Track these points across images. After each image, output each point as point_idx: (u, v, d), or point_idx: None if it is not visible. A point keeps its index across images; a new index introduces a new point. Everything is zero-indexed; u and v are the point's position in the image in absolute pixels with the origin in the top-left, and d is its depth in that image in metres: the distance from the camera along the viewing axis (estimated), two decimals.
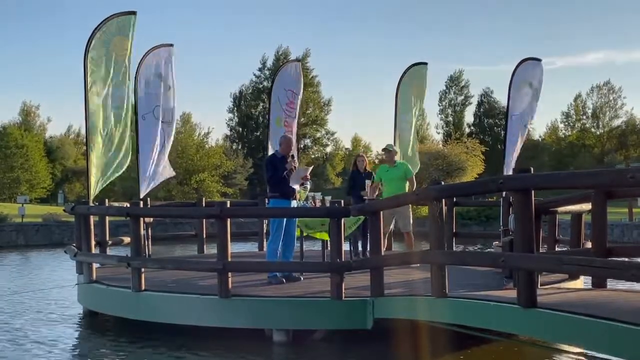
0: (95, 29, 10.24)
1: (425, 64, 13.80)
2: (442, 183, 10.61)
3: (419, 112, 13.77)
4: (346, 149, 70.45)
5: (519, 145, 12.19)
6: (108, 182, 10.80)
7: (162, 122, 11.65)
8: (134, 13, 10.49)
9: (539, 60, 12.40)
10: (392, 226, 10.94)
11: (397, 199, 10.73)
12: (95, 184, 10.36)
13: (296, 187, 9.24)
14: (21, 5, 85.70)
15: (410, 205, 10.80)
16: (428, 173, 33.25)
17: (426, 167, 34.74)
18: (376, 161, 48.11)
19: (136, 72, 11.44)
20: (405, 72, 13.62)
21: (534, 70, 12.26)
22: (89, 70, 10.19)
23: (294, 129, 13.81)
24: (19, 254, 22.92)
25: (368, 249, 9.19)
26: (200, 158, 44.22)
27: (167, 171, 11.96)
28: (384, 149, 11.16)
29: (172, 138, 12.01)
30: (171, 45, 11.88)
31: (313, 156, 63.45)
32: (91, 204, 10.24)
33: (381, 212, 7.93)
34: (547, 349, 7.01)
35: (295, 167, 9.22)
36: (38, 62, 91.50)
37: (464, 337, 7.06)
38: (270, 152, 13.49)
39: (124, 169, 10.86)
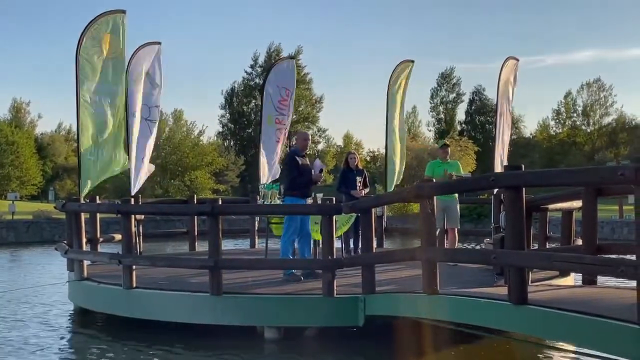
0: (86, 26, 10.24)
1: (412, 61, 13.89)
2: (434, 180, 10.61)
3: (404, 109, 13.88)
4: (338, 146, 70.41)
5: (500, 144, 12.23)
6: (102, 180, 10.78)
7: (147, 120, 11.65)
8: (123, 12, 10.48)
9: (517, 59, 12.59)
10: (444, 224, 10.52)
11: (389, 197, 10.76)
12: (87, 182, 10.33)
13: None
14: (12, 2, 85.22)
15: (458, 201, 10.81)
16: (420, 170, 33.32)
17: (419, 164, 34.90)
18: (367, 158, 48.30)
19: (126, 69, 11.39)
20: (394, 70, 13.70)
21: (513, 69, 12.46)
22: (80, 68, 10.16)
23: (287, 127, 13.79)
24: (9, 251, 22.82)
25: (359, 247, 9.20)
26: (194, 156, 44.25)
27: (150, 169, 11.95)
28: (443, 145, 11.23)
29: (154, 136, 11.97)
30: (159, 43, 11.86)
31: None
32: (82, 201, 10.21)
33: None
34: (538, 345, 7.05)
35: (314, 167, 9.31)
36: (28, 59, 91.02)
37: (455, 333, 7.08)
38: (262, 149, 13.53)
39: (120, 167, 10.82)
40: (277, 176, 13.27)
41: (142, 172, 11.55)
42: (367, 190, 11.17)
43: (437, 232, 10.06)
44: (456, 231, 10.74)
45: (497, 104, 12.38)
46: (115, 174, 11.14)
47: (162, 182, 39.17)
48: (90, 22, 10.28)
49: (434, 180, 10.51)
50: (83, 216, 10.06)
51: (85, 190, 10.47)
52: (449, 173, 10.47)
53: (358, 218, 9.14)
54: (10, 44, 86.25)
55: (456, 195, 10.67)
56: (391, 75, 13.66)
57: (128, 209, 9.08)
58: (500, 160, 11.91)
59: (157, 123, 12.05)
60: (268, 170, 13.38)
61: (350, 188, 10.90)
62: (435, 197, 9.69)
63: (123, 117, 10.93)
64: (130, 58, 11.45)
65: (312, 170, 9.28)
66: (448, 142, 11.68)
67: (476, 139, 54.71)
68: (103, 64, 10.36)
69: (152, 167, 12.06)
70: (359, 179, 11.01)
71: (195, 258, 10.27)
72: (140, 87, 11.46)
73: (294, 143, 9.71)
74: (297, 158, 9.14)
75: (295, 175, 9.07)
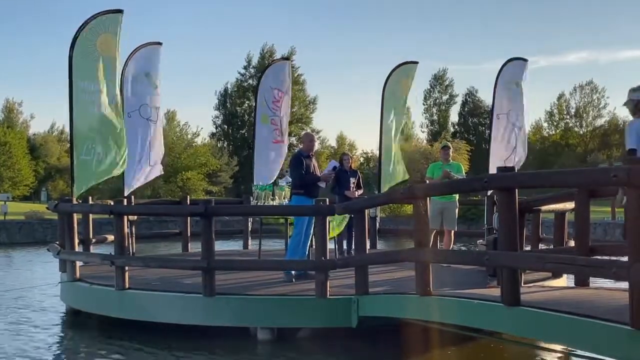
0: (81, 26, 10.22)
1: (416, 62, 13.78)
2: (427, 182, 10.63)
3: (405, 111, 13.78)
4: (332, 147, 70.39)
5: (519, 146, 12.10)
6: (99, 181, 10.76)
7: (149, 120, 11.63)
8: (120, 11, 10.47)
9: (525, 60, 12.44)
10: (440, 225, 10.60)
11: (382, 198, 10.75)
12: (81, 183, 10.32)
13: (322, 185, 9.38)
14: (4, 1, 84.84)
15: (458, 204, 10.83)
16: (415, 171, 33.36)
17: (412, 165, 34.93)
18: (361, 159, 48.31)
19: (122, 70, 11.39)
20: (393, 70, 13.58)
21: (520, 70, 12.33)
22: (74, 67, 10.17)
23: (284, 127, 13.73)
24: (2, 252, 22.71)
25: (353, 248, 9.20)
26: (187, 157, 44.21)
27: (155, 170, 11.92)
28: (443, 146, 11.27)
29: (158, 136, 11.97)
30: (160, 43, 11.86)
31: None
32: (75, 201, 10.18)
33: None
34: (531, 346, 7.06)
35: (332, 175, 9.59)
36: (21, 58, 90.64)
37: (448, 334, 7.09)
38: (257, 150, 13.52)
39: (119, 168, 10.79)
40: (274, 177, 13.23)
41: (141, 173, 11.53)
42: (360, 191, 11.18)
43: (432, 233, 10.13)
44: (452, 233, 10.75)
45: (493, 105, 12.30)
46: (115, 175, 11.10)
47: (152, 182, 39.08)
48: (87, 21, 10.25)
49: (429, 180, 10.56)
50: (75, 217, 10.03)
51: (79, 192, 10.43)
52: (446, 171, 10.48)
53: (352, 219, 9.15)
54: (2, 43, 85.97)
55: (456, 197, 10.69)
56: (389, 76, 13.53)
57: (121, 210, 9.05)
58: (498, 161, 11.83)
59: (159, 123, 12.05)
60: (261, 171, 13.36)
61: (344, 189, 10.91)
62: (433, 198, 9.75)
63: (119, 117, 10.92)
64: (128, 58, 11.44)
65: (326, 169, 9.48)
66: (449, 144, 11.62)
67: (469, 141, 54.80)
68: (98, 64, 10.35)
69: (161, 171, 12.04)
70: (352, 180, 11.02)
71: (188, 259, 10.26)
72: (138, 87, 11.47)
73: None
74: (302, 158, 9.20)
75: (299, 175, 9.12)
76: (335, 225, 9.59)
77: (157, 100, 11.76)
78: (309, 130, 65.44)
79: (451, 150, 11.20)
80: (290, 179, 10.07)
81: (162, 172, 12.29)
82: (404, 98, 13.68)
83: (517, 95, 12.24)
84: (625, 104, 6.28)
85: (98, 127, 10.45)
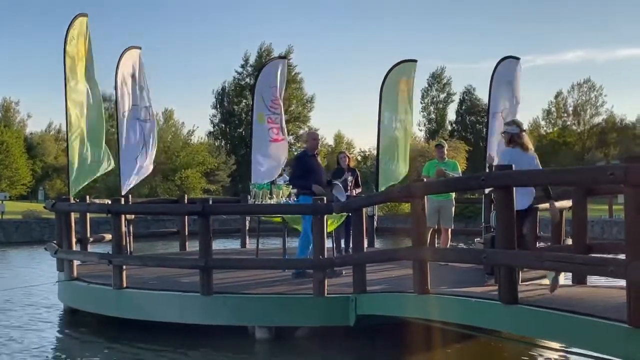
0: (67, 28, 10.64)
1: (415, 61, 13.72)
2: (425, 180, 10.63)
3: (406, 110, 13.71)
4: (329, 146, 70.38)
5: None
6: (90, 179, 10.85)
7: (140, 120, 11.78)
8: (85, 15, 10.89)
9: (517, 58, 12.46)
10: (436, 223, 10.64)
11: (380, 196, 10.75)
12: (77, 182, 10.37)
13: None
14: (2, 1, 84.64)
15: (454, 202, 10.83)
16: (412, 169, 33.39)
17: (410, 163, 34.92)
18: (359, 158, 48.31)
19: (115, 72, 11.60)
20: (392, 69, 13.53)
21: (512, 68, 12.36)
22: (67, 69, 10.36)
23: (282, 126, 13.70)
24: None
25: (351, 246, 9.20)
26: (185, 155, 44.28)
27: (149, 168, 12.03)
28: (436, 145, 11.33)
29: (154, 136, 12.05)
30: (139, 48, 12.15)
31: (296, 153, 63.15)
32: (72, 200, 10.18)
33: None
34: (529, 344, 7.07)
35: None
36: (18, 58, 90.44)
37: (446, 333, 7.09)
38: (254, 149, 13.50)
39: (106, 167, 10.94)
40: (272, 176, 13.21)
41: (136, 171, 11.61)
42: (359, 190, 11.18)
43: (429, 231, 10.13)
44: (449, 231, 10.76)
45: (489, 104, 12.30)
46: (101, 174, 11.29)
47: (150, 181, 39.08)
48: (70, 24, 10.61)
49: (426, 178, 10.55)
50: (73, 216, 10.03)
51: (75, 190, 10.49)
52: (440, 169, 10.48)
53: (349, 217, 9.15)
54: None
55: (453, 195, 10.70)
56: (387, 74, 13.48)
57: (118, 209, 9.04)
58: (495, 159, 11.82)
59: (149, 122, 12.12)
60: (259, 169, 13.34)
61: None
62: (429, 196, 9.75)
63: (105, 117, 11.14)
64: (119, 60, 11.72)
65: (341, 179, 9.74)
66: (443, 142, 11.64)
67: (467, 139, 54.81)
68: (81, 65, 10.80)
69: (150, 167, 12.16)
70: (350, 178, 11.00)
71: (186, 258, 10.25)
72: (128, 89, 11.70)
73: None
74: (305, 158, 9.20)
75: (298, 175, 9.12)
76: (334, 221, 9.60)
77: (145, 100, 12.01)
78: (306, 129, 65.60)
79: (445, 148, 11.20)
80: (287, 178, 10.06)
81: (152, 168, 12.42)
82: (402, 96, 13.60)
83: (510, 94, 12.30)
84: (502, 134, 7.33)
85: (91, 127, 10.64)
